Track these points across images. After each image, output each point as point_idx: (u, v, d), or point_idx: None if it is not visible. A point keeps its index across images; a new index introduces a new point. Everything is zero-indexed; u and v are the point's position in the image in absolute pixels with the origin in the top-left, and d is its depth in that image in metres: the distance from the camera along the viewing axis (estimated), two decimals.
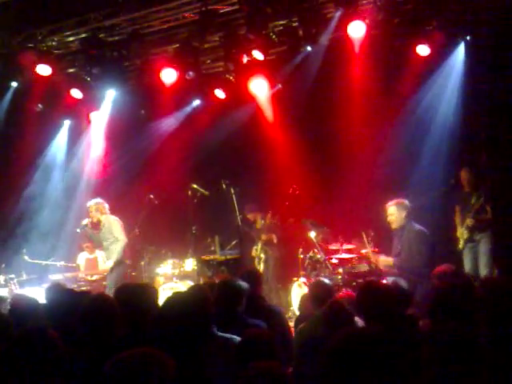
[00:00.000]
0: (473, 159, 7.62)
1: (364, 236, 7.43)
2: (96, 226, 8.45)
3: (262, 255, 9.04)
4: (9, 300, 5.23)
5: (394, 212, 7.16)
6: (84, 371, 3.13)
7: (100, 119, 10.08)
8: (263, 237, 9.00)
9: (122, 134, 10.07)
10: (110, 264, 8.26)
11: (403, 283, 4.26)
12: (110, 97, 9.56)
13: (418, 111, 8.17)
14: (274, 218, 8.90)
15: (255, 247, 9.16)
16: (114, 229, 8.33)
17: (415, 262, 6.82)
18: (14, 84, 9.01)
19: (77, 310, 3.56)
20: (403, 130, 8.16)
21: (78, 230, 8.44)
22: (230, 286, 4.34)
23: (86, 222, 8.40)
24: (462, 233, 7.51)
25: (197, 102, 9.89)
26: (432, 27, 7.14)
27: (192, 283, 7.90)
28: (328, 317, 4.09)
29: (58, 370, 2.75)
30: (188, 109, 9.96)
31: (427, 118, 8.14)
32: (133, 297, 3.82)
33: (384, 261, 7.22)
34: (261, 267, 8.88)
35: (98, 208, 8.38)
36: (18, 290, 7.75)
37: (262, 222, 9.10)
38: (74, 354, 3.18)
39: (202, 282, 8.03)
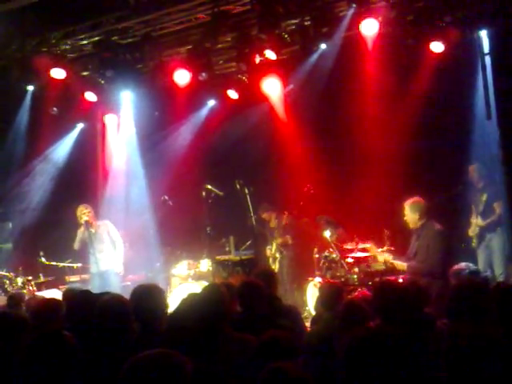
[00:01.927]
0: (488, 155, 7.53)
1: (385, 234, 7.36)
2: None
3: (278, 255, 9.03)
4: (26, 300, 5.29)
5: (408, 212, 7.05)
6: (100, 372, 3.14)
7: (115, 121, 10.17)
8: (279, 239, 8.99)
9: (136, 136, 10.12)
10: (120, 268, 8.59)
11: (421, 281, 4.22)
12: (125, 99, 9.62)
13: (433, 108, 8.11)
14: (289, 218, 8.88)
15: (269, 247, 9.15)
16: (114, 231, 8.66)
17: (431, 262, 6.71)
18: (31, 88, 9.10)
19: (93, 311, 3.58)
20: (419, 128, 8.11)
21: (82, 222, 8.53)
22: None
23: (87, 218, 8.51)
24: (473, 230, 7.46)
25: (210, 103, 9.91)
26: (445, 23, 7.08)
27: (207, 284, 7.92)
28: (344, 316, 4.07)
29: (74, 372, 2.76)
30: (201, 109, 9.98)
31: (443, 116, 8.07)
32: (150, 297, 3.85)
33: (398, 265, 7.12)
34: (276, 267, 8.87)
35: (92, 212, 8.60)
36: (36, 293, 7.83)
37: (277, 221, 9.09)
38: (91, 355, 3.20)
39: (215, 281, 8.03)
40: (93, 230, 8.48)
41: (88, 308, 3.85)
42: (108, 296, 3.80)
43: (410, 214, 6.96)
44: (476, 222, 7.42)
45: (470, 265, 5.47)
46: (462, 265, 5.34)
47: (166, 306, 3.92)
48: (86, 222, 8.45)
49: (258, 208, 8.96)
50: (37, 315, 4.18)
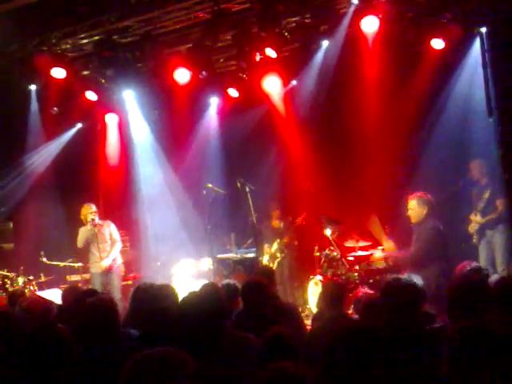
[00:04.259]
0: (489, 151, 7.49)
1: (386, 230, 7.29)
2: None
3: (278, 255, 9.01)
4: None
5: (415, 206, 6.82)
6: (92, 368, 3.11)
7: (115, 120, 10.17)
8: (285, 239, 8.97)
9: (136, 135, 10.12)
10: (107, 263, 8.47)
11: (417, 279, 4.17)
12: (126, 98, 9.61)
13: (433, 105, 8.09)
14: (295, 224, 8.87)
15: (267, 245, 9.12)
16: (115, 232, 8.71)
17: (415, 253, 6.60)
18: (33, 87, 9.09)
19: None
20: (420, 125, 8.09)
21: (88, 220, 8.52)
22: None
23: (94, 217, 8.50)
24: (472, 227, 7.43)
25: (211, 101, 9.90)
26: (446, 20, 7.05)
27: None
28: (364, 313, 4.05)
29: (68, 362, 2.76)
30: (202, 108, 9.97)
31: (444, 112, 8.05)
32: (153, 296, 3.83)
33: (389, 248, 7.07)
34: (274, 265, 8.85)
35: (97, 211, 8.59)
36: (37, 292, 7.82)
37: (282, 224, 9.08)
38: (84, 350, 3.18)
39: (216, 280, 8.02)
40: (97, 230, 8.48)
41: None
42: (93, 298, 3.75)
43: (418, 208, 6.71)
44: (475, 219, 7.39)
45: (473, 263, 5.44)
46: (466, 263, 5.31)
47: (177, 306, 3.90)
48: (92, 220, 8.44)
49: (263, 205, 8.96)
50: (28, 315, 4.17)
